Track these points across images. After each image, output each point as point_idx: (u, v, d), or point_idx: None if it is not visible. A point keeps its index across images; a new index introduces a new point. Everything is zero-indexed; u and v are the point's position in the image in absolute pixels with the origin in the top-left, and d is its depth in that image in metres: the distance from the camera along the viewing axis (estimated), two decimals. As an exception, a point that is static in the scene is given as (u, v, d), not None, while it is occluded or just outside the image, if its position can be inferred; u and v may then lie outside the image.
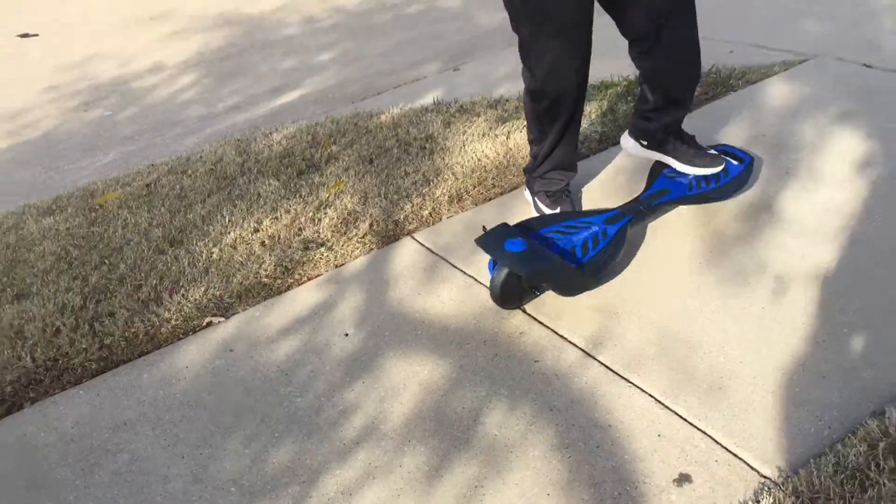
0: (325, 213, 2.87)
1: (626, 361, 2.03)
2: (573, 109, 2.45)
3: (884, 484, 1.53)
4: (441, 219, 2.79)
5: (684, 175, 2.53)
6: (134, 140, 4.41)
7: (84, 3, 7.17)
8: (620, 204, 2.49)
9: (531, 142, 2.61)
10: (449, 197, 2.86)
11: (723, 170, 2.52)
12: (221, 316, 2.47)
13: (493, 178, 2.94)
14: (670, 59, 2.35)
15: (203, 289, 2.56)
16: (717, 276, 2.29)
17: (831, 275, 2.21)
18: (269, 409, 2.08)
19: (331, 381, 2.14)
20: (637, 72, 2.54)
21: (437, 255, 2.60)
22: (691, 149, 2.56)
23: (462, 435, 1.90)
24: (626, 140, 2.69)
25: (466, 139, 3.23)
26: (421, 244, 2.67)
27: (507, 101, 3.61)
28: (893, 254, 2.25)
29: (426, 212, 2.81)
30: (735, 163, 2.56)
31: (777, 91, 3.24)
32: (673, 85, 2.44)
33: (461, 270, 2.50)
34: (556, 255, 2.21)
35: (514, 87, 3.81)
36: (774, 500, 1.56)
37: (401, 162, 3.15)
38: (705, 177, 2.51)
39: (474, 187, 2.90)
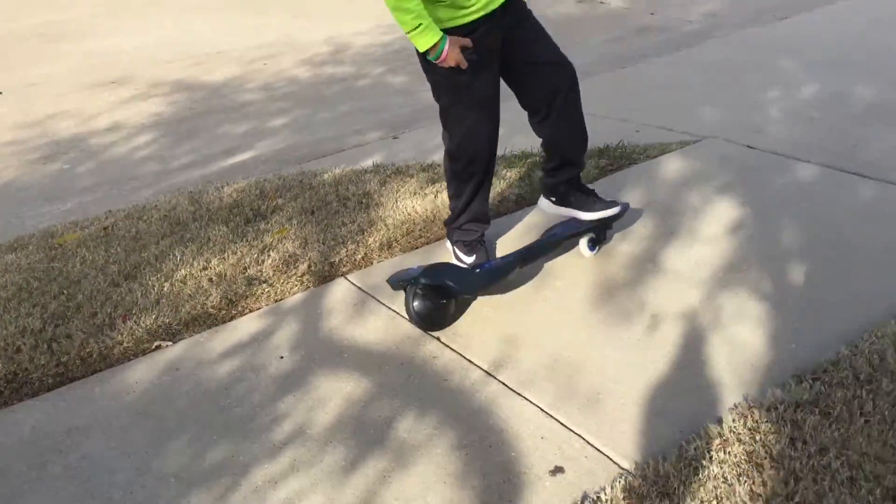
0: (269, 255, 3.19)
1: (521, 380, 2.38)
2: (485, 169, 2.86)
3: (711, 469, 1.88)
4: (372, 263, 3.14)
5: (571, 219, 2.98)
6: (91, 191, 4.69)
7: (49, 65, 7.48)
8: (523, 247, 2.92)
9: (450, 197, 3.00)
10: (380, 244, 3.22)
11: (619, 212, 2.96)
12: (170, 340, 2.76)
13: (420, 230, 3.31)
14: (562, 126, 2.80)
15: (154, 317, 2.85)
16: (605, 313, 2.67)
17: (697, 314, 2.61)
18: (209, 418, 2.36)
19: (265, 395, 2.43)
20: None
21: (366, 293, 2.93)
22: (590, 198, 2.99)
23: (376, 437, 2.21)
24: (542, 200, 3.11)
25: (399, 196, 3.61)
26: (352, 283, 3.00)
27: (438, 165, 4.01)
28: (750, 299, 2.66)
29: (359, 256, 3.16)
30: None
31: (671, 165, 3.70)
32: (566, 147, 2.89)
33: (386, 306, 2.83)
34: (446, 263, 2.72)
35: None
36: (626, 483, 1.90)
37: (339, 214, 3.50)
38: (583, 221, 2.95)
39: (403, 237, 3.27)
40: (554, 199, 3.03)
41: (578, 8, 8.06)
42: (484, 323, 2.69)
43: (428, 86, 2.81)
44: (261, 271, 3.10)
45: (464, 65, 2.58)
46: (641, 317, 2.62)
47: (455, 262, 3.01)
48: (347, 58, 7.03)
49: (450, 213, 3.04)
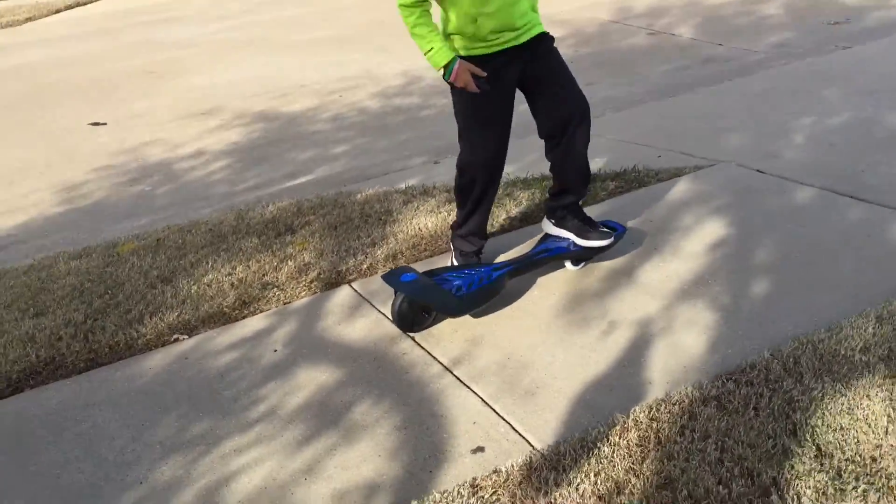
0: (286, 264, 3.54)
1: (473, 375, 2.61)
2: (484, 189, 3.12)
3: (602, 449, 2.06)
4: (377, 272, 3.44)
5: (565, 239, 3.14)
6: (165, 210, 5.20)
7: (150, 98, 8.21)
8: (514, 259, 3.13)
9: (457, 206, 3.27)
10: (385, 255, 3.52)
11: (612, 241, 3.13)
12: (186, 334, 3.13)
13: (425, 244, 3.59)
14: (566, 158, 3.03)
15: (177, 314, 3.23)
16: (568, 319, 2.86)
17: (651, 322, 2.77)
18: (201, 398, 2.70)
19: (252, 381, 2.76)
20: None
21: (364, 298, 3.23)
22: (586, 226, 3.17)
23: (334, 419, 2.49)
24: (545, 221, 3.30)
25: (415, 215, 3.91)
26: (354, 290, 3.31)
27: (461, 187, 4.29)
28: (704, 309, 2.80)
29: (365, 266, 3.47)
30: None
31: (678, 188, 3.84)
32: (566, 177, 3.11)
33: (378, 309, 3.12)
34: (437, 285, 2.86)
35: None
36: (532, 459, 2.10)
37: (358, 229, 3.83)
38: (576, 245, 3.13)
39: (408, 249, 3.56)
40: (553, 221, 3.23)
41: (648, 40, 8.19)
42: (456, 325, 2.93)
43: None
44: (276, 277, 3.45)
45: (473, 89, 2.85)
46: (600, 323, 2.81)
47: (452, 263, 3.28)
48: (417, 90, 7.41)
49: (455, 219, 3.31)
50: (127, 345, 3.08)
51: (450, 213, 3.88)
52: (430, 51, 2.84)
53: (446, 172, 4.78)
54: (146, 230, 4.45)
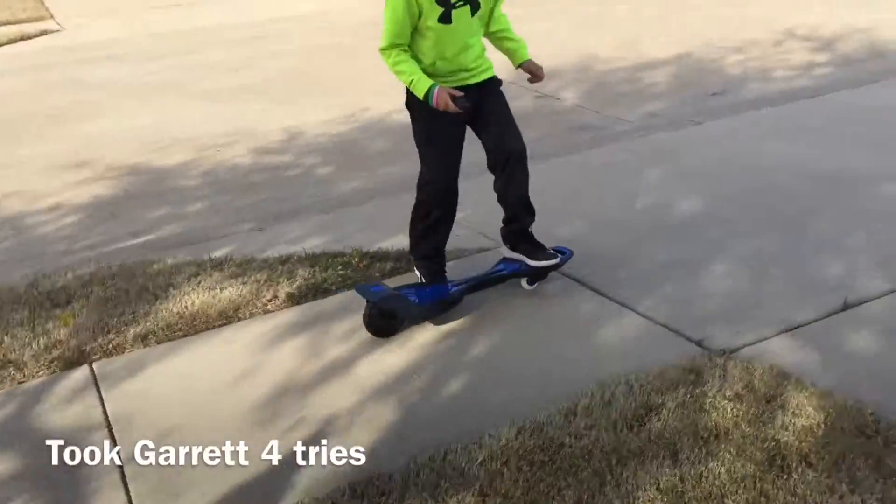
0: (38, 341, 3.55)
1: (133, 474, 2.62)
2: (444, 211, 3.57)
3: None
4: (124, 352, 3.46)
5: (518, 261, 3.70)
6: (-5, 270, 5.18)
7: (37, 145, 8.19)
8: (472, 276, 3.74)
9: (411, 230, 3.70)
10: (135, 335, 3.54)
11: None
12: None
13: (181, 323, 3.62)
14: (508, 188, 3.57)
15: None
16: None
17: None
18: None
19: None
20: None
21: (94, 381, 3.26)
22: (536, 249, 3.68)
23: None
24: (502, 247, 3.83)
25: (189, 290, 3.94)
26: (91, 371, 3.33)
27: (262, 260, 4.33)
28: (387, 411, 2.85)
29: (112, 345, 3.49)
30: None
31: (445, 272, 3.91)
32: (510, 207, 3.64)
33: (99, 395, 3.16)
34: (400, 294, 3.45)
35: (286, 249, 4.57)
36: None
37: (129, 305, 3.85)
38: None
39: (162, 329, 3.59)
40: (508, 245, 3.76)
41: (534, 104, 8.29)
42: (153, 418, 2.94)
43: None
44: (22, 355, 3.45)
45: (454, 109, 3.30)
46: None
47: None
48: (293, 147, 7.47)
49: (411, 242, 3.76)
50: None
51: (222, 290, 3.92)
52: (411, 82, 3.32)
53: (259, 242, 4.83)
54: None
